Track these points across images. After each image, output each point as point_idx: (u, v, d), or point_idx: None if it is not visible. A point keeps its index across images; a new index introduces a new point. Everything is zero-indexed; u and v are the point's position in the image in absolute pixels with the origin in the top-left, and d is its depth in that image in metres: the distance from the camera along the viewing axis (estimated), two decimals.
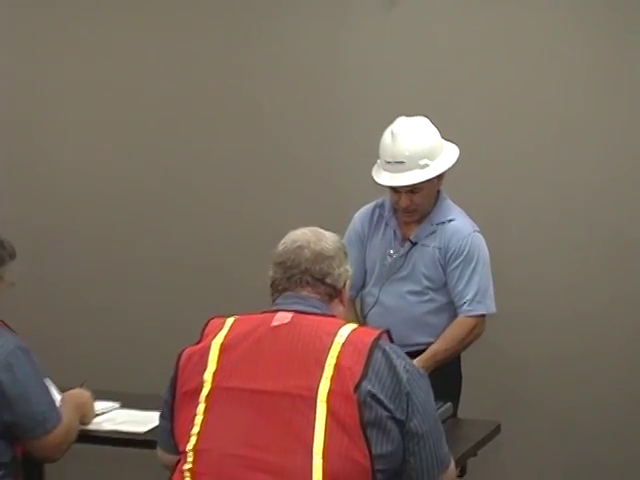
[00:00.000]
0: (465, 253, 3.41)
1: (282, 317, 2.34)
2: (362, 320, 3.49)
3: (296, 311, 2.35)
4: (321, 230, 2.49)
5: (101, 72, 4.73)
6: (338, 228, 2.60)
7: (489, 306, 3.43)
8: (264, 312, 2.40)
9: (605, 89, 4.13)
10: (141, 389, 3.35)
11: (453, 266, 3.41)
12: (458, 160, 3.46)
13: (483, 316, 3.42)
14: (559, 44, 4.15)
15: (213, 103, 4.55)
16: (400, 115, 3.47)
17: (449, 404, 3.18)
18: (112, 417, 3.23)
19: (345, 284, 2.47)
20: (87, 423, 3.11)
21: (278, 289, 2.44)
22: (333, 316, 2.41)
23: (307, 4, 4.43)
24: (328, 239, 2.46)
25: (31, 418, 2.79)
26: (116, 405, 3.31)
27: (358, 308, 3.59)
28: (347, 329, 2.30)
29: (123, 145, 4.70)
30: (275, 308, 2.40)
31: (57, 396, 3.01)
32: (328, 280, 2.42)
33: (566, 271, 4.16)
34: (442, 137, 3.47)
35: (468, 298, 3.39)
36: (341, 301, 2.48)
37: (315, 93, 4.43)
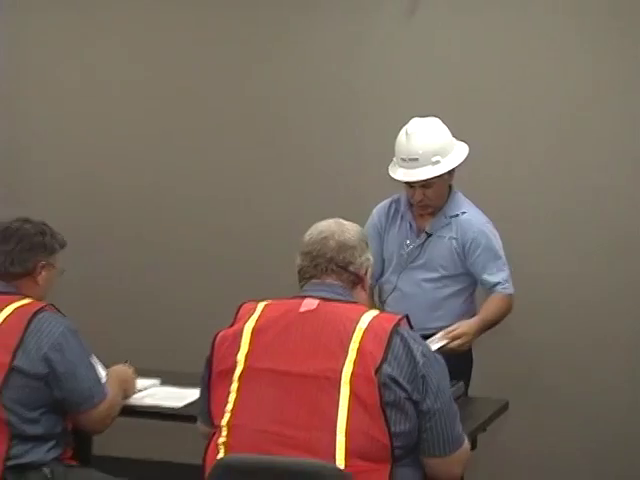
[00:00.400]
0: (484, 243, 3.43)
1: (309, 304, 2.37)
2: (381, 305, 3.51)
3: (322, 298, 2.38)
4: (344, 221, 2.52)
5: (141, 73, 4.77)
6: (357, 221, 2.60)
7: (512, 288, 3.47)
8: (293, 297, 2.43)
9: (608, 91, 4.12)
10: (179, 368, 3.37)
11: (475, 255, 3.42)
12: (470, 157, 3.47)
13: (511, 295, 3.45)
14: (567, 50, 4.17)
15: (242, 104, 4.57)
16: (416, 116, 3.48)
17: (461, 383, 3.21)
18: (152, 393, 3.24)
19: (367, 272, 2.50)
20: (129, 397, 3.14)
21: (305, 276, 2.46)
22: (355, 303, 2.42)
23: (331, 9, 4.43)
24: (351, 230, 2.48)
25: (79, 394, 2.81)
26: (156, 382, 3.33)
27: (376, 295, 3.60)
28: (369, 316, 2.33)
29: (161, 144, 4.73)
30: (303, 294, 2.42)
31: (102, 373, 3.05)
32: (351, 268, 2.44)
33: (575, 262, 4.16)
34: (455, 136, 3.48)
35: (501, 279, 3.42)
36: (363, 288, 2.50)
37: (337, 95, 4.44)
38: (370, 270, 2.52)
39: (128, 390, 3.14)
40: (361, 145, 4.34)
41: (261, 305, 2.44)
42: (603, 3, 4.10)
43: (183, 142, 4.71)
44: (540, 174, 4.20)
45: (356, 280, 2.46)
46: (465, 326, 3.26)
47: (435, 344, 3.15)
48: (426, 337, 2.80)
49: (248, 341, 2.35)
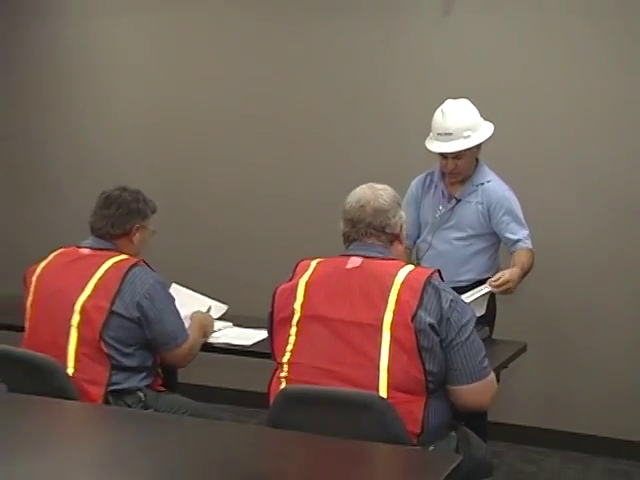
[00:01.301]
0: (506, 206, 3.42)
1: (354, 261, 2.38)
2: (418, 262, 3.51)
3: (365, 256, 2.39)
4: (377, 185, 2.48)
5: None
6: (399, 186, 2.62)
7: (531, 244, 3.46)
8: (340, 256, 2.44)
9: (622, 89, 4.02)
10: (248, 313, 3.40)
11: (499, 217, 3.41)
12: (495, 136, 3.45)
13: (532, 250, 3.44)
14: (586, 52, 4.06)
15: (308, 95, 4.55)
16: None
17: (486, 328, 3.23)
18: (226, 333, 3.27)
19: (401, 228, 2.48)
20: (208, 337, 3.18)
21: (349, 239, 2.46)
22: (394, 259, 2.42)
23: (372, 11, 4.36)
24: (384, 195, 2.45)
25: (165, 335, 2.85)
26: (229, 324, 3.36)
27: (414, 254, 3.60)
28: (405, 270, 2.34)
29: (237, 135, 4.72)
30: (348, 253, 2.43)
31: (187, 318, 3.09)
32: (387, 230, 2.43)
33: (588, 224, 4.11)
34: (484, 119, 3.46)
35: (523, 236, 3.41)
36: (400, 242, 2.49)
37: (382, 89, 4.40)
38: (404, 225, 2.51)
39: (207, 332, 3.17)
40: (400, 132, 4.30)
41: (314, 262, 2.46)
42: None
43: (254, 131, 4.69)
44: (555, 154, 4.14)
45: (392, 238, 2.45)
46: (508, 274, 3.24)
47: (482, 291, 3.20)
48: (457, 288, 2.81)
49: (303, 293, 2.38)
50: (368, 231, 2.42)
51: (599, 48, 4.01)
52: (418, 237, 3.59)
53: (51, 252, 2.97)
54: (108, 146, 5.01)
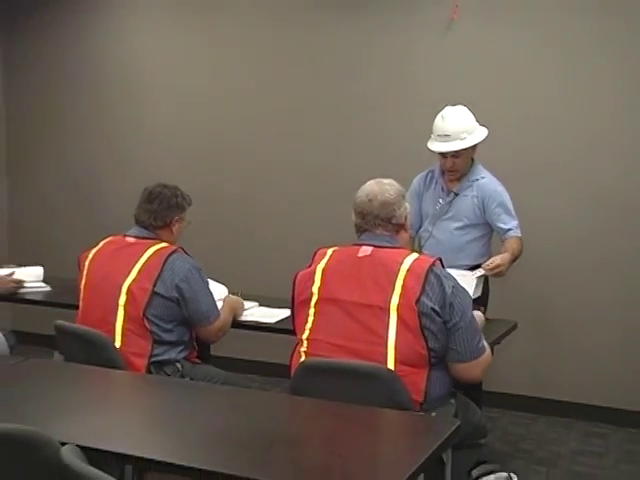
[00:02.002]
0: (498, 200, 3.41)
1: (365, 250, 2.38)
2: (420, 250, 3.50)
3: (374, 245, 2.39)
4: (384, 181, 2.47)
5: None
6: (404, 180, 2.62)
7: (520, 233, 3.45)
8: (353, 245, 2.44)
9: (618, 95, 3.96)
10: (272, 294, 3.40)
11: (492, 209, 3.40)
12: (490, 138, 3.45)
13: (521, 238, 3.43)
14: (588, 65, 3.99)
15: (335, 94, 4.49)
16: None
17: (482, 308, 3.19)
18: (253, 312, 3.26)
19: (406, 218, 2.47)
20: (239, 317, 3.18)
21: (360, 230, 2.46)
22: (400, 247, 2.42)
23: (388, 32, 4.32)
24: (390, 189, 2.44)
25: (200, 313, 2.84)
26: (256, 304, 3.35)
27: (416, 242, 3.60)
28: (410, 258, 2.34)
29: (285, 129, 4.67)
30: (360, 243, 2.43)
31: (220, 297, 3.10)
32: (393, 220, 2.42)
33: (573, 212, 4.06)
34: (482, 123, 3.47)
35: (512, 226, 3.40)
36: (405, 230, 2.48)
37: (394, 90, 4.36)
38: (409, 216, 2.50)
39: (238, 313, 3.16)
40: (405, 133, 4.27)
41: (330, 250, 2.47)
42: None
43: (274, 136, 4.66)
44: (552, 156, 4.07)
45: (398, 227, 2.44)
46: (499, 259, 3.23)
47: (477, 274, 3.21)
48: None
49: (320, 277, 2.39)
50: (376, 222, 2.41)
51: (597, 55, 3.94)
52: (420, 227, 3.59)
53: (101, 239, 2.99)
54: (143, 148, 5.01)
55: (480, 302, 3.20)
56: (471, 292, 3.02)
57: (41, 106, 5.27)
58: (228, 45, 4.73)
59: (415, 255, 2.37)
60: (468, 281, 3.09)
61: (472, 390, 3.26)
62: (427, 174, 3.59)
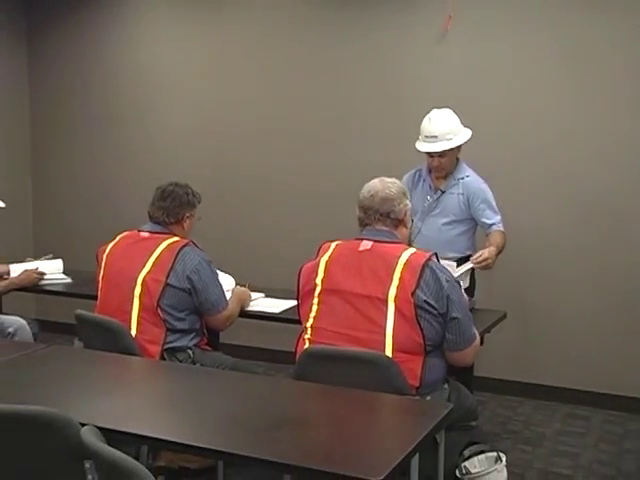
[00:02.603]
0: (482, 196, 3.40)
1: (366, 244, 2.37)
2: (409, 244, 3.48)
3: (375, 240, 2.37)
4: (386, 179, 2.46)
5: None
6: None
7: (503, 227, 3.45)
8: (355, 239, 2.42)
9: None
10: (277, 285, 3.39)
11: (476, 205, 3.40)
12: (475, 139, 3.44)
13: (504, 232, 3.41)
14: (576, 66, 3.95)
15: (336, 101, 4.48)
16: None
17: (473, 299, 3.19)
18: (259, 302, 3.24)
19: (406, 213, 2.45)
20: (247, 307, 3.16)
21: (362, 224, 2.44)
22: (399, 242, 2.40)
23: (385, 41, 4.30)
24: (391, 186, 2.43)
25: (209, 303, 2.83)
26: (262, 295, 3.33)
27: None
28: (408, 253, 2.32)
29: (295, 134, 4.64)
30: (361, 237, 2.41)
31: (228, 289, 3.08)
32: (392, 215, 2.40)
33: (558, 212, 4.03)
34: (468, 125, 3.47)
35: (496, 220, 3.40)
36: (404, 226, 2.46)
37: (393, 95, 4.34)
38: (409, 212, 2.47)
39: (245, 304, 3.15)
40: (400, 127, 4.23)
41: (333, 244, 2.45)
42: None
43: (285, 139, 4.63)
44: (538, 154, 4.05)
45: (397, 222, 2.42)
46: (487, 253, 3.21)
47: (466, 267, 3.18)
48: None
49: (323, 269, 2.38)
50: (376, 217, 2.39)
51: (590, 63, 3.90)
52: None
53: (118, 234, 2.98)
54: (158, 148, 4.99)
55: (468, 293, 3.18)
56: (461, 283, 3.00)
57: (63, 108, 5.26)
58: (236, 51, 4.70)
59: (412, 250, 2.35)
60: (461, 276, 3.08)
61: (464, 375, 3.26)
62: (415, 173, 3.58)
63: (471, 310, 2.75)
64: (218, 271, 2.99)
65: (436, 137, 3.35)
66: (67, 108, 5.25)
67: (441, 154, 3.37)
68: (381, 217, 2.39)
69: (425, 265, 2.27)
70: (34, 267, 3.65)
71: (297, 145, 4.59)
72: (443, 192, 3.45)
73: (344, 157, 4.45)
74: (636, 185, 3.88)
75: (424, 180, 3.53)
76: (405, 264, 2.27)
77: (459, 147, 3.42)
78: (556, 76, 3.98)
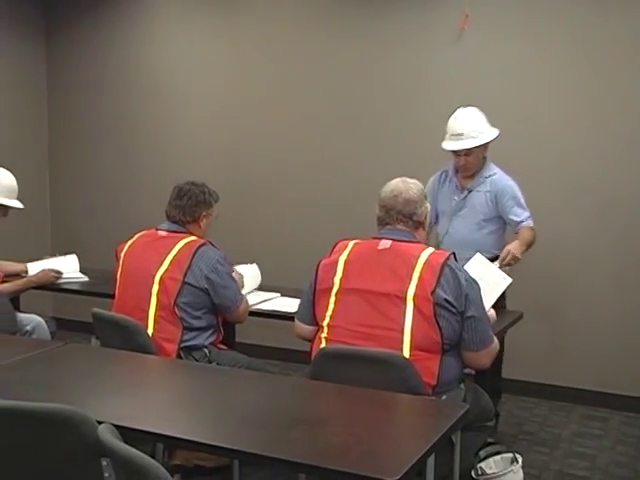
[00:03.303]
0: (510, 193, 3.35)
1: (385, 243, 2.36)
2: (438, 244, 3.46)
3: (394, 239, 2.36)
4: (408, 180, 2.45)
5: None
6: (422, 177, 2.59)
7: (533, 223, 3.40)
8: (374, 238, 2.41)
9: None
10: (292, 285, 3.39)
11: (504, 202, 3.35)
12: (501, 138, 3.42)
13: (534, 227, 3.37)
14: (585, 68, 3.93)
15: (352, 101, 4.48)
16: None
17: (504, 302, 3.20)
18: (275, 302, 3.26)
19: (426, 216, 2.44)
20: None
21: (382, 223, 2.43)
22: (418, 242, 2.38)
23: (402, 40, 4.29)
24: (414, 188, 2.41)
25: (228, 300, 2.86)
26: (278, 295, 3.35)
27: (432, 238, 3.54)
28: (427, 252, 2.31)
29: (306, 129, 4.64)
30: (380, 236, 2.40)
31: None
32: (414, 217, 2.40)
33: (576, 216, 4.02)
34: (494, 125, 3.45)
35: (525, 217, 3.34)
36: (424, 228, 2.46)
37: (407, 96, 4.33)
38: (428, 215, 2.47)
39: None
40: (422, 135, 4.23)
41: (351, 243, 2.44)
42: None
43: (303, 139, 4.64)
44: (559, 155, 4.03)
45: (417, 224, 2.42)
46: (510, 247, 3.18)
47: (495, 266, 3.07)
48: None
49: (342, 268, 2.36)
50: (398, 217, 2.38)
51: (606, 62, 3.86)
52: (436, 222, 3.55)
53: (135, 233, 2.99)
54: (174, 146, 5.02)
55: (499, 304, 3.06)
56: (498, 288, 2.92)
57: (80, 108, 5.30)
58: (251, 51, 4.71)
59: (431, 249, 2.34)
60: (494, 276, 2.95)
61: (493, 377, 3.26)
62: (441, 174, 3.55)
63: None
64: (246, 265, 3.04)
65: (462, 135, 3.32)
66: (84, 108, 5.30)
67: (467, 152, 3.33)
68: (403, 218, 2.38)
69: (445, 264, 2.25)
70: (51, 265, 3.67)
71: (314, 147, 4.57)
72: (470, 191, 3.41)
73: (359, 158, 4.44)
74: None
75: (450, 180, 3.50)
76: (425, 263, 2.25)
77: (486, 146, 3.38)
78: (576, 76, 3.94)
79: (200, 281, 2.76)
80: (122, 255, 2.93)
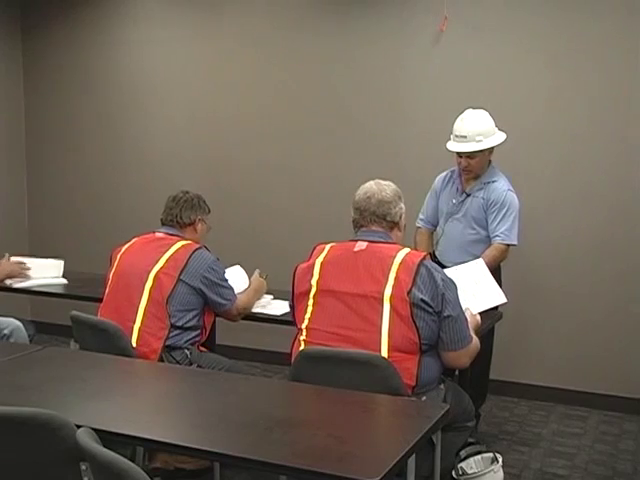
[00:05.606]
0: (500, 203, 3.33)
1: (361, 245, 2.37)
2: (435, 245, 3.49)
3: (369, 241, 2.37)
4: (382, 182, 2.46)
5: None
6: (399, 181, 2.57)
7: (512, 240, 3.34)
8: (350, 240, 2.42)
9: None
10: (282, 287, 3.38)
11: (491, 211, 3.34)
12: (508, 143, 3.44)
13: (508, 246, 3.35)
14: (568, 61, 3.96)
15: (339, 107, 4.49)
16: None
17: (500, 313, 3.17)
18: (265, 304, 3.23)
19: (401, 217, 2.45)
20: (261, 298, 3.22)
21: (357, 225, 2.45)
22: (394, 243, 2.40)
23: (381, 42, 4.31)
24: (387, 189, 2.42)
25: (223, 298, 2.92)
26: (270, 297, 3.30)
27: (434, 238, 3.58)
28: (402, 253, 2.32)
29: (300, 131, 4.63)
30: (356, 238, 2.42)
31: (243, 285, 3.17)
32: (388, 218, 2.41)
33: (573, 223, 4.04)
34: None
35: (501, 232, 3.30)
36: (399, 229, 2.46)
37: (388, 96, 4.34)
38: (404, 215, 2.47)
39: (260, 295, 3.23)
40: (409, 136, 4.24)
41: (328, 246, 2.45)
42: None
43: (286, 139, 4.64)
44: (549, 155, 4.05)
45: (392, 225, 2.42)
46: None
47: (494, 281, 3.01)
48: None
49: (318, 271, 2.37)
50: (372, 218, 2.40)
51: (585, 61, 3.90)
52: (437, 224, 3.58)
53: (133, 237, 3.03)
54: (162, 149, 4.99)
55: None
56: (490, 302, 2.92)
57: (57, 108, 5.25)
58: (234, 52, 4.70)
59: (407, 250, 2.36)
60: (490, 289, 2.95)
61: (481, 379, 3.27)
62: (447, 174, 3.55)
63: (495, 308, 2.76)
64: (237, 267, 3.15)
65: (465, 137, 3.30)
66: (61, 108, 5.24)
67: (469, 155, 3.32)
68: (377, 219, 2.39)
69: (420, 264, 2.27)
70: (36, 264, 3.67)
71: (301, 150, 4.56)
72: (468, 195, 3.41)
73: (342, 158, 4.45)
74: None
75: (454, 182, 3.49)
76: (400, 263, 2.27)
77: (490, 150, 3.37)
78: (555, 75, 3.97)
79: (194, 281, 2.82)
80: (118, 256, 2.97)
